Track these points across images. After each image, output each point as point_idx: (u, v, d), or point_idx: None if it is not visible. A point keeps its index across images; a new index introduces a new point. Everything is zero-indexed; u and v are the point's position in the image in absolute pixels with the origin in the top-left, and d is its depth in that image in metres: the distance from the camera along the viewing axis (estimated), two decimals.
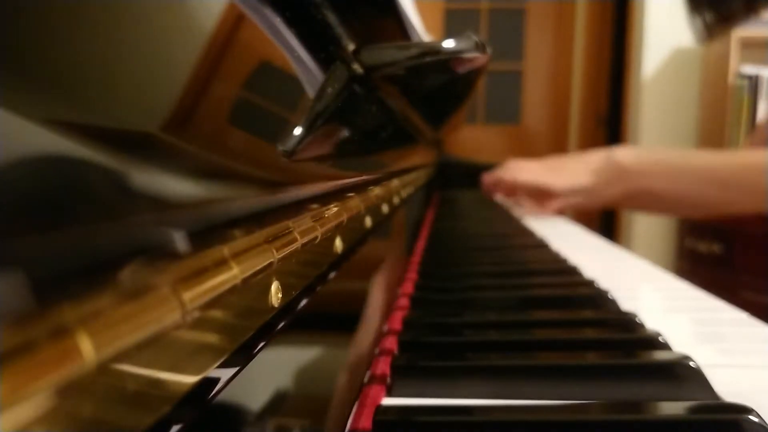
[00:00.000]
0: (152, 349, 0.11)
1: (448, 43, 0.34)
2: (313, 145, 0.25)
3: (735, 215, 1.70)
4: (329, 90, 0.28)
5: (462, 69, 0.37)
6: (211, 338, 0.14)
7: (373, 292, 0.40)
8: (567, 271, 0.58)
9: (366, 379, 0.32)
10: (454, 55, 0.34)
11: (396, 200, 0.56)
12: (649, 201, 0.94)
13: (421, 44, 0.36)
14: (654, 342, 0.35)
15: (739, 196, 0.82)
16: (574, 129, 2.85)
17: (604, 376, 0.31)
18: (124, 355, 0.10)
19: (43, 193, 0.09)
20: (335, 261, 0.28)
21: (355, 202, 0.33)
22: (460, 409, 0.28)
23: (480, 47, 0.35)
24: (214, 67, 0.19)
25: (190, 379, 0.13)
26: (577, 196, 0.98)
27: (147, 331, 0.10)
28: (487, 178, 1.19)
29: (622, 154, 0.93)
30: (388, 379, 0.32)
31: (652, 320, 0.40)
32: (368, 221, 0.38)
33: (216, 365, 0.14)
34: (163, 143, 0.14)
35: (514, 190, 1.11)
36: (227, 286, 0.14)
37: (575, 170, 0.96)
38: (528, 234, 0.89)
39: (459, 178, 1.39)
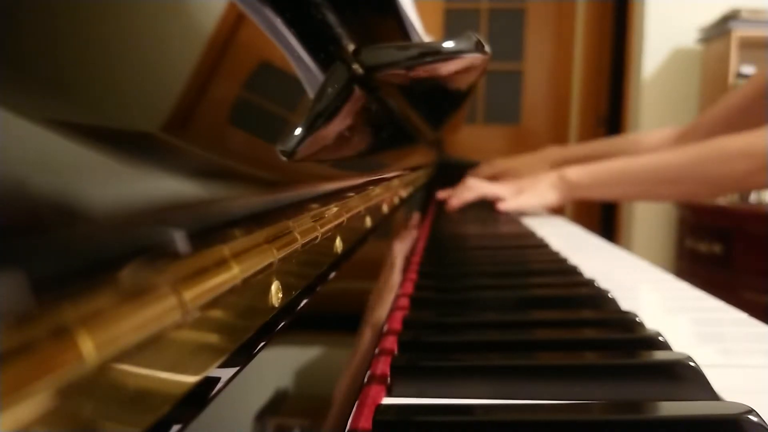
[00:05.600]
0: (152, 348, 0.11)
1: (448, 44, 0.34)
2: (313, 145, 0.25)
3: (734, 214, 1.71)
4: (329, 90, 0.28)
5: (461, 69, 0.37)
6: (211, 338, 0.14)
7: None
8: (567, 271, 0.58)
9: (366, 379, 0.32)
10: (454, 56, 0.34)
11: (396, 200, 0.56)
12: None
13: (421, 44, 0.36)
14: (654, 342, 0.35)
15: (692, 187, 0.97)
16: (574, 129, 2.84)
17: (604, 376, 0.31)
18: (125, 355, 0.10)
19: (44, 193, 0.09)
20: (335, 261, 0.28)
21: (355, 202, 0.33)
22: (460, 409, 0.28)
23: (480, 47, 0.35)
24: (215, 67, 0.19)
25: (190, 379, 0.13)
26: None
27: (147, 330, 0.10)
28: (454, 199, 1.25)
29: (571, 172, 1.10)
30: (388, 379, 0.32)
31: (652, 320, 0.40)
32: (368, 221, 0.38)
33: (216, 365, 0.14)
34: (164, 143, 0.14)
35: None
36: (228, 286, 0.14)
37: (541, 190, 1.13)
38: (528, 234, 0.89)
39: (459, 178, 1.39)
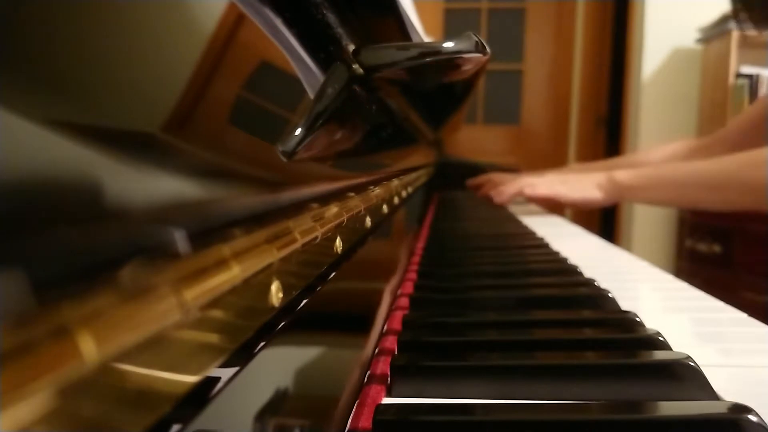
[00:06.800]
0: (152, 348, 0.11)
1: (448, 44, 0.34)
2: (313, 145, 0.25)
3: (734, 214, 1.71)
4: (329, 90, 0.28)
5: (462, 69, 0.37)
6: (211, 338, 0.14)
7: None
8: (567, 271, 0.58)
9: (366, 379, 0.32)
10: (454, 56, 0.34)
11: (396, 200, 0.56)
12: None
13: (421, 45, 0.36)
14: (654, 342, 0.35)
15: (733, 194, 0.96)
16: (574, 129, 2.84)
17: (604, 376, 0.31)
18: (125, 355, 0.10)
19: (44, 193, 0.09)
20: (335, 261, 0.28)
21: (355, 202, 0.33)
22: (460, 408, 0.28)
23: (480, 47, 0.35)
24: (215, 67, 0.19)
25: (190, 379, 0.13)
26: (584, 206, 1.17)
27: (147, 330, 0.10)
28: (497, 195, 1.26)
29: (620, 174, 1.10)
30: (388, 379, 0.32)
31: (652, 320, 0.40)
32: (368, 221, 0.38)
33: (216, 365, 0.14)
34: (165, 143, 0.14)
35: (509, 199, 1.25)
36: (228, 286, 0.14)
37: (585, 185, 1.13)
38: (528, 234, 0.89)
39: (459, 178, 1.40)
